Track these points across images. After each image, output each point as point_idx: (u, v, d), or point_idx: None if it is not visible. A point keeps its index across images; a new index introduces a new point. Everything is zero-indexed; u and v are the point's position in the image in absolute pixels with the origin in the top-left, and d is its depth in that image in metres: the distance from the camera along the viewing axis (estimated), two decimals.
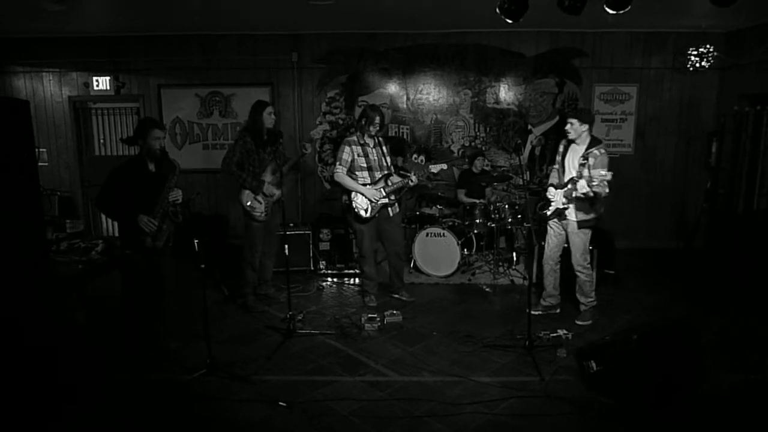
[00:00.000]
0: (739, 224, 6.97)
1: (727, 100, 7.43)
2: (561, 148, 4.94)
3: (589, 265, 4.96)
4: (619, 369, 3.62)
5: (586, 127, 4.68)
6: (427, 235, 6.45)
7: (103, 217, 8.20)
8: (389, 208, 5.42)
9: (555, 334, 4.62)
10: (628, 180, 7.92)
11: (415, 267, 6.62)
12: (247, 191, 5.14)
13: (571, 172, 4.77)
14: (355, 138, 5.33)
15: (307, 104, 7.80)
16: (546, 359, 4.26)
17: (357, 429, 3.38)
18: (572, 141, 4.78)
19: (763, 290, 5.49)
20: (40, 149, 7.66)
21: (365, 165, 5.30)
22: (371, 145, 5.34)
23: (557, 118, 7.73)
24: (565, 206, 4.76)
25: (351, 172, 5.28)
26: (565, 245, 5.02)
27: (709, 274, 6.46)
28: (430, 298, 5.84)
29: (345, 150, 5.27)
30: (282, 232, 5.16)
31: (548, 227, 5.06)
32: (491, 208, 6.43)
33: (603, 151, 4.62)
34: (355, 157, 5.27)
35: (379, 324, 4.97)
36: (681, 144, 7.87)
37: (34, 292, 4.01)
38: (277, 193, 5.27)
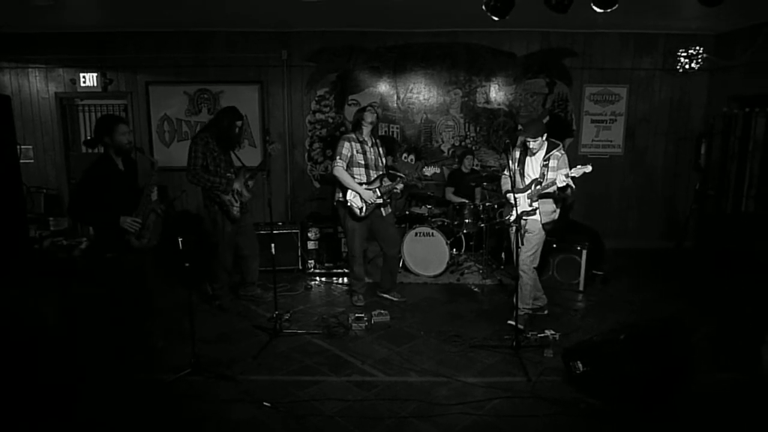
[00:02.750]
0: (728, 225, 6.99)
1: (717, 102, 7.47)
2: (517, 154, 4.89)
3: (534, 269, 4.87)
4: (606, 369, 3.61)
5: (540, 138, 4.67)
6: (416, 234, 6.42)
7: None
8: (382, 209, 5.39)
9: (542, 335, 4.62)
10: (618, 180, 7.95)
11: (404, 266, 6.58)
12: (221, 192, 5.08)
13: (531, 176, 4.77)
14: (353, 135, 5.29)
15: (297, 103, 7.76)
16: (533, 360, 4.24)
17: (343, 429, 3.34)
18: (528, 149, 4.77)
19: (750, 290, 5.51)
20: (26, 146, 7.57)
21: (363, 162, 5.26)
22: (369, 144, 5.32)
23: (547, 118, 7.71)
24: (532, 207, 4.71)
25: (348, 167, 5.23)
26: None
27: (698, 275, 6.48)
28: (418, 297, 5.81)
29: (344, 145, 5.22)
30: (268, 231, 5.12)
31: (511, 232, 5.02)
32: (480, 208, 6.41)
33: (563, 152, 4.71)
34: (354, 153, 5.24)
35: (367, 324, 4.94)
36: (670, 145, 7.90)
37: (13, 289, 3.94)
38: (247, 195, 5.28)
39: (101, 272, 4.19)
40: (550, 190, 4.58)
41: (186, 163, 5.03)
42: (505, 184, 4.92)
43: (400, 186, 5.40)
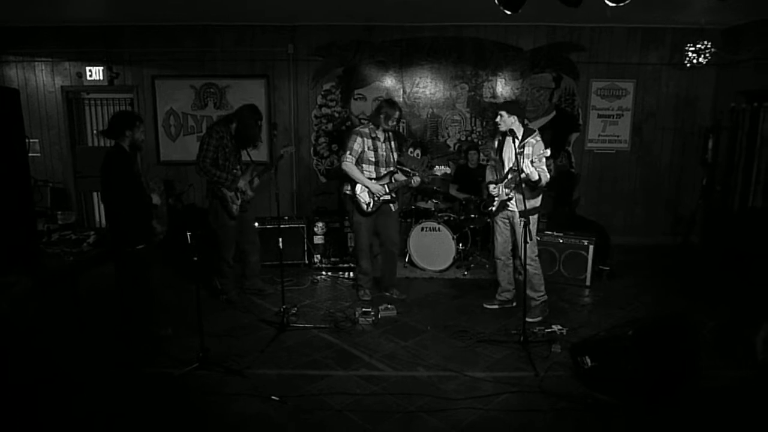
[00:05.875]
0: (735, 221, 6.97)
1: (724, 97, 7.43)
2: (495, 144, 4.94)
3: (536, 258, 4.93)
4: (614, 365, 3.61)
5: (514, 118, 4.68)
6: (423, 229, 6.42)
7: (96, 208, 8.15)
8: (390, 204, 5.37)
9: (549, 330, 4.62)
10: (624, 176, 7.92)
11: (410, 261, 6.59)
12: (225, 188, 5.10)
13: (508, 165, 4.78)
14: (367, 130, 5.21)
15: (303, 97, 7.74)
16: (540, 355, 4.24)
17: (350, 423, 3.35)
18: (505, 135, 4.78)
19: (757, 286, 5.49)
20: (32, 140, 7.59)
21: (373, 159, 5.20)
22: (382, 140, 5.24)
23: (554, 113, 7.71)
24: (509, 196, 4.74)
25: (358, 163, 5.18)
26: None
27: (705, 271, 6.46)
28: (424, 292, 5.81)
29: (356, 140, 5.16)
30: (275, 225, 5.11)
31: (495, 223, 5.05)
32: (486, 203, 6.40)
33: (538, 139, 4.68)
34: (365, 149, 5.17)
35: (374, 318, 4.95)
36: (677, 140, 7.87)
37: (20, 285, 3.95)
38: (250, 193, 5.29)
39: (133, 263, 4.28)
40: (523, 177, 4.49)
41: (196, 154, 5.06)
42: (489, 174, 4.96)
43: (416, 180, 5.32)
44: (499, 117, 4.72)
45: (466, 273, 6.40)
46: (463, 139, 7.81)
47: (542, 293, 4.98)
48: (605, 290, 5.86)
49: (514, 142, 4.58)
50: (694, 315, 4.62)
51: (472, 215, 6.49)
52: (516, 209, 4.77)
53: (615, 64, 7.65)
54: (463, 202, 6.60)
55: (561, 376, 3.93)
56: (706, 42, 6.97)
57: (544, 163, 4.57)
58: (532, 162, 4.45)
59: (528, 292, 4.91)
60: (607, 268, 6.24)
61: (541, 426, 3.35)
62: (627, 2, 3.52)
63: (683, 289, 5.85)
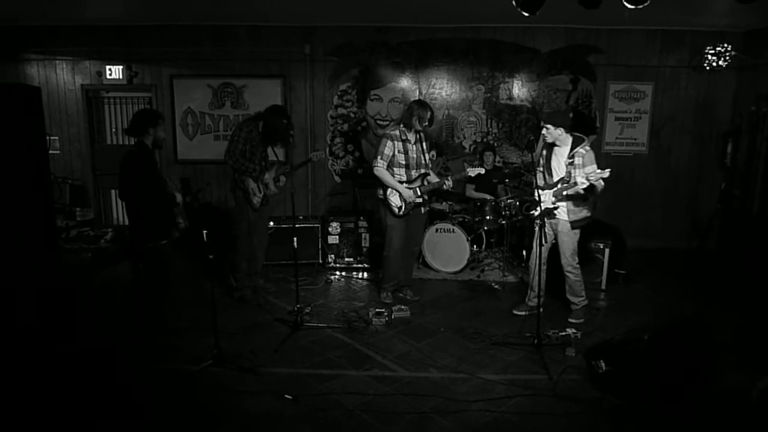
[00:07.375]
0: (753, 225, 6.87)
1: (744, 100, 7.33)
2: (543, 152, 4.85)
3: (578, 266, 4.89)
4: (629, 369, 3.58)
5: (561, 130, 4.61)
6: (437, 230, 6.41)
7: (114, 205, 8.24)
8: (422, 207, 5.36)
9: (564, 333, 4.59)
10: (641, 179, 7.85)
11: (424, 262, 6.58)
12: (250, 179, 5.19)
13: (558, 173, 4.72)
14: (397, 132, 5.18)
15: (319, 97, 7.77)
16: (554, 358, 4.21)
17: (363, 423, 3.36)
18: (553, 145, 4.72)
19: None
20: (52, 137, 7.69)
21: (404, 162, 5.18)
22: (413, 141, 5.22)
23: (571, 115, 7.64)
24: (555, 206, 4.69)
25: (389, 167, 5.16)
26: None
27: (722, 275, 6.39)
28: (438, 294, 5.81)
29: (387, 144, 5.14)
30: (290, 225, 5.15)
31: (536, 228, 4.98)
32: (501, 205, 6.38)
33: (588, 148, 4.60)
34: (396, 153, 5.15)
35: (387, 319, 4.95)
36: (696, 144, 7.78)
37: (41, 280, 4.01)
38: (273, 189, 5.37)
39: (155, 258, 4.34)
40: (573, 191, 4.50)
41: (226, 148, 5.18)
42: (539, 179, 4.90)
43: (449, 183, 5.27)
44: (545, 130, 4.65)
45: (480, 275, 6.38)
46: (479, 140, 7.79)
47: (582, 298, 4.98)
48: (621, 294, 5.81)
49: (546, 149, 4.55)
50: (710, 319, 4.57)
51: (487, 217, 6.46)
52: (567, 218, 4.71)
53: (633, 66, 7.58)
54: (478, 203, 6.58)
55: (575, 379, 3.91)
56: (726, 45, 6.91)
57: (605, 174, 4.34)
58: (588, 176, 4.33)
59: (569, 297, 4.99)
60: (623, 271, 6.19)
61: (554, 430, 3.34)
62: (646, 4, 3.50)
63: (699, 294, 5.80)
